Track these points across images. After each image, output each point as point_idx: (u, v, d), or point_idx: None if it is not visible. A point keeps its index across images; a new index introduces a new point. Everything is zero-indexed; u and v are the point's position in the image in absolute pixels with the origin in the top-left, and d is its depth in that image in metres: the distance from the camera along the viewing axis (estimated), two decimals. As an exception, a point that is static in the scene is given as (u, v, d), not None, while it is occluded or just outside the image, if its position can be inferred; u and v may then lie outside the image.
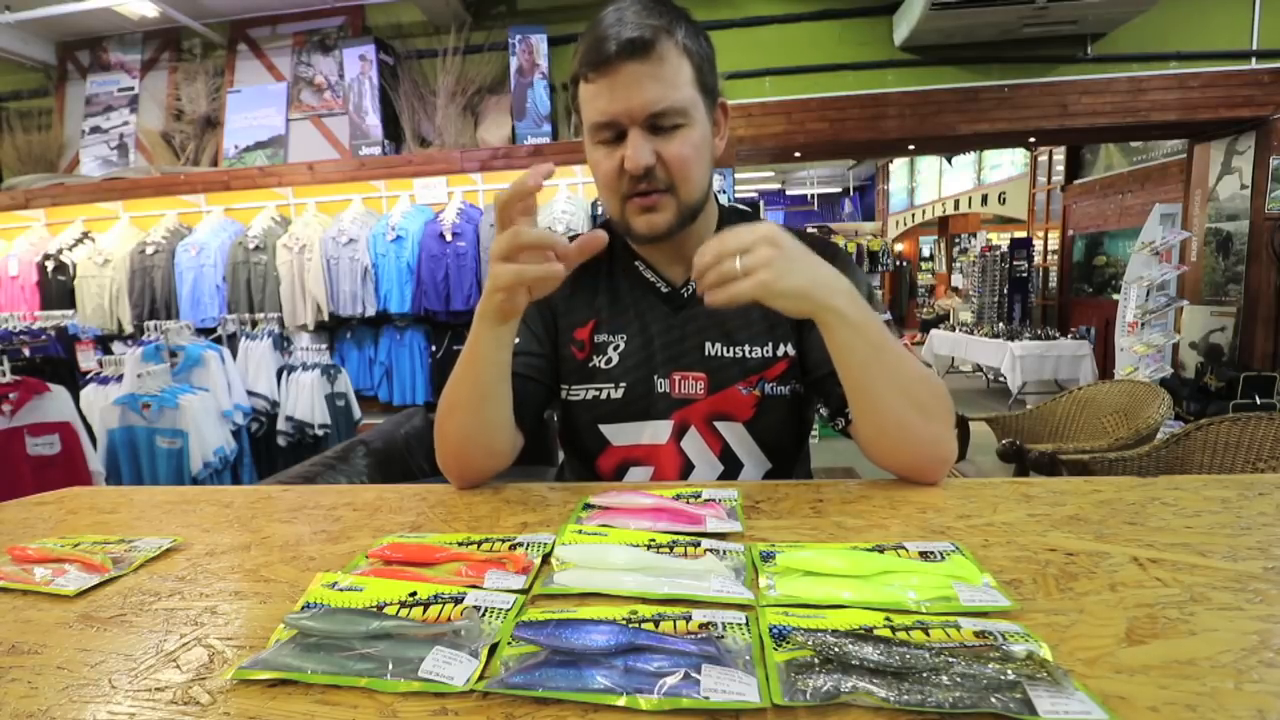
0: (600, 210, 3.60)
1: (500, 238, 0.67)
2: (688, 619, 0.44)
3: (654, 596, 0.48)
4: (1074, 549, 0.54)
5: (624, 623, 0.43)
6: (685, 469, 0.88)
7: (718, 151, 0.86)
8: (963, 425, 0.77)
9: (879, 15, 3.88)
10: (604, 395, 0.89)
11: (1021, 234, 8.35)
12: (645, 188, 0.80)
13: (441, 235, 3.57)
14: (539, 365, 0.91)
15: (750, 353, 0.88)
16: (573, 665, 0.39)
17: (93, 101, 4.45)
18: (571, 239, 0.96)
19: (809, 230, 1.01)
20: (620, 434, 0.90)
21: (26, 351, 2.94)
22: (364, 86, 3.92)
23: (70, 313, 3.50)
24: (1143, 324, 4.60)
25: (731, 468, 0.89)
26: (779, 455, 0.91)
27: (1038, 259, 7.95)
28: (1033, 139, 4.80)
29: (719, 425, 0.88)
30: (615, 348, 0.90)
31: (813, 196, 14.33)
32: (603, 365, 0.90)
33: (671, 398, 0.88)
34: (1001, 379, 6.23)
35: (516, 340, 0.95)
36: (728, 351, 0.88)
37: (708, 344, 0.89)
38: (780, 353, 0.88)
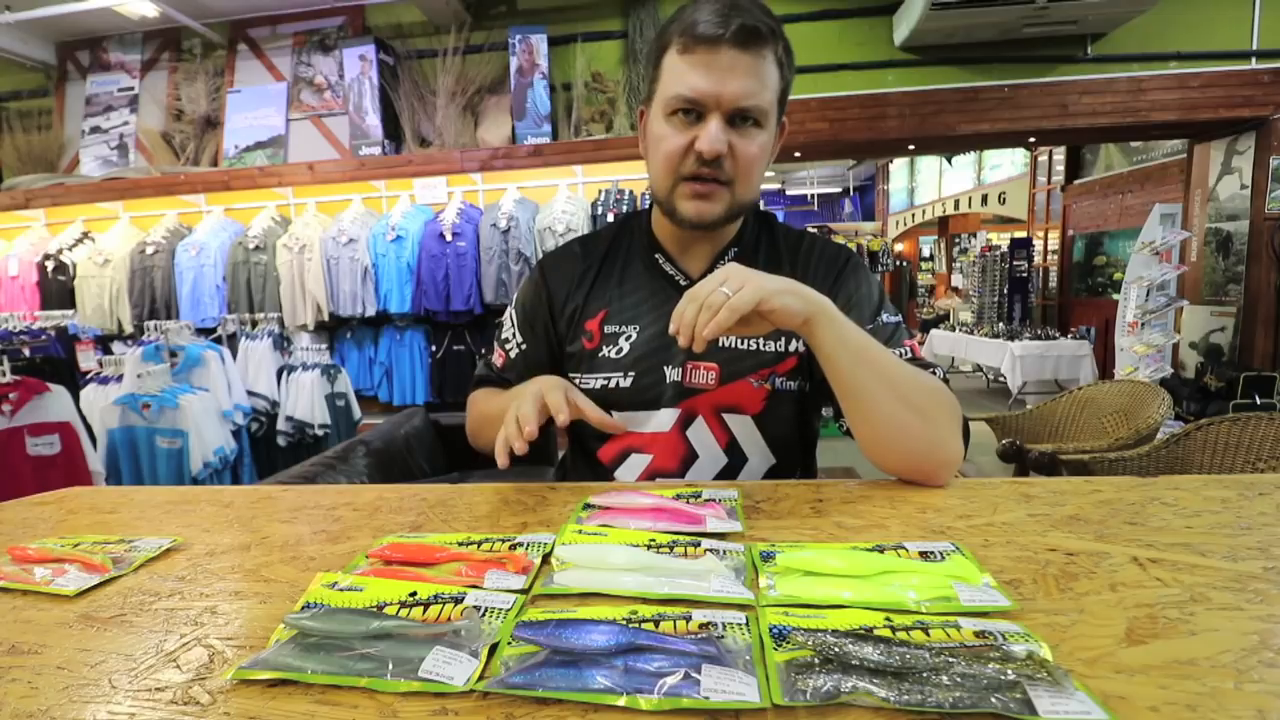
0: (600, 211, 3.59)
1: (561, 403, 0.76)
2: (688, 619, 0.44)
3: (654, 596, 0.48)
4: (1074, 549, 0.54)
5: (624, 623, 0.43)
6: (688, 458, 0.89)
7: (767, 167, 0.88)
8: (963, 425, 0.78)
9: (879, 15, 3.88)
10: (613, 384, 0.90)
11: (1021, 234, 8.33)
12: (708, 174, 0.80)
13: (441, 235, 3.57)
14: (540, 366, 0.92)
15: (764, 345, 0.88)
16: (573, 665, 0.39)
17: (93, 101, 4.45)
18: (582, 243, 0.98)
19: (809, 230, 1.02)
20: (627, 422, 0.90)
21: (26, 351, 2.94)
22: (364, 86, 3.91)
23: (70, 313, 3.50)
24: (1143, 324, 4.60)
25: (736, 461, 0.89)
26: (785, 452, 0.91)
27: (1038, 259, 7.94)
28: (1033, 139, 4.79)
29: (727, 417, 0.89)
30: (626, 338, 0.91)
31: (813, 196, 14.32)
32: (612, 355, 0.91)
33: (682, 386, 0.89)
34: (1001, 379, 6.23)
35: (521, 343, 0.96)
36: (742, 343, 0.88)
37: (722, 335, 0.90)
38: (792, 348, 0.89)
